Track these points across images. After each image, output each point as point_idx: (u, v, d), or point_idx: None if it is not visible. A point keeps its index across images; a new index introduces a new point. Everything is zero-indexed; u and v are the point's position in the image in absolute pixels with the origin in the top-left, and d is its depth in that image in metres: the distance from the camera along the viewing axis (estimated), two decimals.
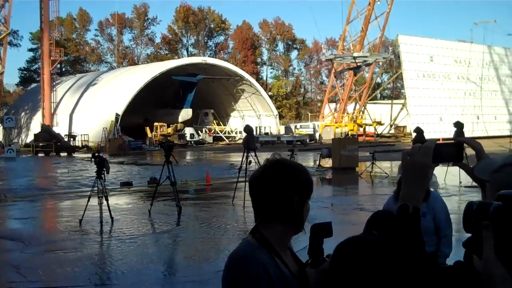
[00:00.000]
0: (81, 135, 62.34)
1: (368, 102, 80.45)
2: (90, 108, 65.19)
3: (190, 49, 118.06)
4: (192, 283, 8.74)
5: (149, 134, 67.24)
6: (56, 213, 17.09)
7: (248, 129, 18.19)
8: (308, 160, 37.44)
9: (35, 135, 57.17)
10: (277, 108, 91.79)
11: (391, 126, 79.51)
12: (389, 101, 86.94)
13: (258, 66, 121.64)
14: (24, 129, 72.96)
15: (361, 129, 72.88)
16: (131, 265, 9.94)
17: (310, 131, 73.57)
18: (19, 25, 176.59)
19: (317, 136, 72.55)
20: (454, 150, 1.91)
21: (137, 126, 67.25)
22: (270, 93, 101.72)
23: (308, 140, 67.12)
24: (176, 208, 14.92)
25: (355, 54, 68.99)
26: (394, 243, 1.91)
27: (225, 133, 77.04)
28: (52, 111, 65.16)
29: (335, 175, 26.88)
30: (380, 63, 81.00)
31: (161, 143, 20.31)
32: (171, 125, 67.25)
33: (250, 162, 17.13)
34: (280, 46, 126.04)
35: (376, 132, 72.48)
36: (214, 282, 8.65)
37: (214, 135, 75.06)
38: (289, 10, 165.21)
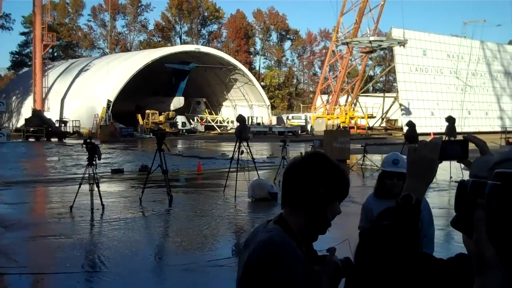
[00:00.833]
0: (72, 121, 62.14)
1: (360, 94, 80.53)
2: (81, 94, 64.90)
3: (183, 37, 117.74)
4: (183, 271, 8.73)
5: (141, 122, 67.05)
6: (47, 199, 17.04)
7: (241, 118, 18.14)
8: (300, 151, 37.45)
9: (26, 120, 56.92)
10: (269, 98, 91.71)
11: (382, 119, 79.70)
12: (381, 94, 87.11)
13: (251, 56, 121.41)
14: (15, 114, 72.65)
15: (353, 122, 72.95)
16: (122, 252, 9.93)
17: (302, 122, 73.65)
18: (11, 8, 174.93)
19: (308, 127, 72.64)
20: (459, 147, 1.91)
21: (128, 113, 67.05)
22: (262, 83, 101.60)
23: (299, 131, 67.17)
24: (167, 196, 14.90)
25: (371, 38, 68.85)
26: (393, 233, 1.92)
27: (217, 122, 76.93)
28: (44, 96, 64.88)
29: None
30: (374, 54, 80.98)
31: (154, 131, 20.22)
32: (162, 113, 67.05)
33: (242, 152, 17.10)
34: (274, 36, 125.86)
35: (367, 125, 72.57)
36: (205, 270, 8.66)
37: (206, 124, 74.95)
38: (283, 0, 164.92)
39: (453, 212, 1.55)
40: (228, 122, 77.23)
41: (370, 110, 75.44)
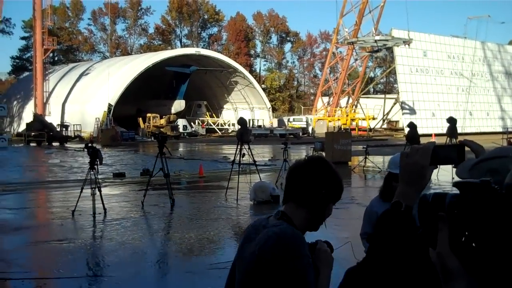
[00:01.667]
0: (74, 125, 62.17)
1: (361, 96, 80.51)
2: (82, 98, 64.96)
3: (184, 40, 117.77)
4: (186, 274, 8.72)
5: (142, 125, 67.07)
6: (49, 204, 17.03)
7: (242, 121, 18.12)
8: (301, 154, 37.46)
9: (27, 124, 56.92)
10: (270, 101, 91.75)
11: (383, 120, 79.67)
12: (382, 96, 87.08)
13: (252, 58, 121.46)
14: (16, 118, 72.68)
15: (354, 123, 72.91)
16: (124, 256, 9.92)
17: (303, 125, 73.67)
18: (12, 13, 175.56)
19: (310, 129, 72.62)
20: (455, 152, 1.90)
21: (129, 117, 67.10)
22: (263, 85, 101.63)
23: (301, 134, 67.19)
24: (169, 199, 14.89)
25: (377, 38, 68.77)
26: (379, 238, 1.93)
27: (218, 125, 76.97)
28: (45, 101, 64.89)
29: None
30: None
31: (155, 134, 20.25)
32: (164, 116, 67.07)
33: (244, 154, 17.08)
34: (274, 39, 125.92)
35: (369, 127, 72.55)
36: (208, 273, 8.65)
37: (207, 127, 74.96)
38: (283, 2, 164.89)
39: None
40: (229, 125, 77.29)
41: (371, 111, 75.44)
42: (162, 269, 9.39)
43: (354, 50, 75.65)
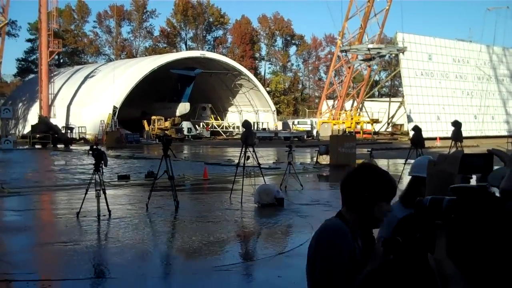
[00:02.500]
0: (79, 127, 62.30)
1: (366, 99, 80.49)
2: (87, 100, 65.08)
3: (189, 42, 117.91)
4: (190, 276, 8.73)
5: (147, 128, 67.17)
6: (53, 206, 17.07)
7: (246, 124, 18.13)
8: (305, 157, 37.47)
9: (32, 126, 57.02)
10: (275, 103, 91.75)
11: (388, 124, 79.59)
12: (387, 99, 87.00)
13: (257, 61, 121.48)
14: (21, 120, 72.83)
15: (359, 127, 72.84)
16: (128, 257, 9.93)
17: (308, 128, 73.60)
18: (18, 15, 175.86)
19: (314, 132, 72.58)
20: (482, 160, 1.90)
21: (134, 119, 67.18)
22: (268, 88, 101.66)
23: (305, 137, 67.13)
24: (173, 202, 14.90)
25: (370, 46, 68.69)
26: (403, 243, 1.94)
27: (222, 127, 77.00)
28: (50, 103, 65.05)
29: (332, 172, 26.89)
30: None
31: (160, 137, 20.23)
32: (168, 119, 67.15)
33: (248, 157, 17.09)
34: (279, 42, 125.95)
35: (373, 130, 72.48)
36: (212, 275, 8.66)
37: (211, 129, 75.01)
38: (288, 5, 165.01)
39: None
40: (233, 128, 77.31)
41: (376, 115, 75.38)
42: (166, 271, 9.41)
43: (357, 56, 75.63)
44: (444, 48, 72.14)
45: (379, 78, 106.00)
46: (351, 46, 70.40)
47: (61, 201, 17.30)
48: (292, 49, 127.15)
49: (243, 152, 17.03)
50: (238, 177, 17.49)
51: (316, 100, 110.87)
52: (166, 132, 59.91)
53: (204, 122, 75.39)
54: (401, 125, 78.55)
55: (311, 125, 74.93)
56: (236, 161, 18.27)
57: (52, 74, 67.53)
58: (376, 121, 73.97)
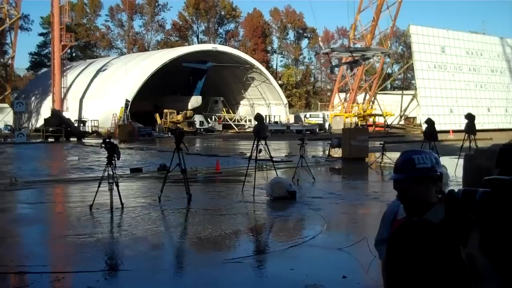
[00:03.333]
0: (91, 120, 62.54)
1: (378, 92, 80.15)
2: (100, 94, 65.32)
3: (201, 36, 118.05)
4: (202, 268, 8.73)
5: (159, 121, 67.32)
6: (66, 198, 17.15)
7: (259, 117, 18.11)
8: (318, 150, 37.41)
9: (45, 120, 57.30)
10: (287, 97, 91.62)
11: (401, 117, 79.25)
12: (400, 92, 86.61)
13: (268, 55, 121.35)
14: (34, 114, 73.24)
15: (371, 120, 72.59)
16: (141, 250, 9.96)
17: (320, 121, 73.48)
18: (30, 9, 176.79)
19: (326, 125, 72.43)
20: None
21: (146, 113, 67.34)
22: (280, 81, 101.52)
23: (317, 130, 67.02)
24: (186, 195, 14.91)
25: (352, 48, 68.11)
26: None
27: (234, 121, 77.00)
28: (62, 96, 65.36)
29: (344, 165, 26.83)
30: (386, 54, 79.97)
31: (172, 130, 20.25)
32: (180, 112, 67.26)
33: (260, 150, 17.07)
34: (291, 35, 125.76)
35: (386, 123, 72.20)
36: (224, 267, 8.66)
37: (223, 123, 75.04)
38: None
39: None
40: (245, 121, 77.32)
41: (388, 108, 75.06)
42: (179, 263, 9.42)
43: (371, 46, 75.21)
44: (457, 40, 71.61)
45: (391, 71, 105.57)
46: (332, 49, 69.25)
47: (74, 194, 17.38)
48: (304, 42, 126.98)
49: (255, 145, 17.01)
50: (250, 170, 17.47)
51: (328, 93, 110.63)
52: (178, 125, 59.98)
53: (216, 116, 75.43)
54: (414, 118, 78.19)
55: (323, 118, 74.79)
56: (248, 154, 18.25)
57: (64, 68, 67.80)
58: (389, 114, 73.55)
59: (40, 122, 63.22)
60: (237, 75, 78.10)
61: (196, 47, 77.21)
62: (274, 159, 18.93)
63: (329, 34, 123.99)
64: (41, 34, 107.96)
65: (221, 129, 73.44)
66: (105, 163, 13.94)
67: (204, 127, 69.88)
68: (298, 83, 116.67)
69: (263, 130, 17.53)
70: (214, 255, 9.83)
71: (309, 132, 62.25)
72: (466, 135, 22.78)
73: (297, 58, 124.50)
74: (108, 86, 65.38)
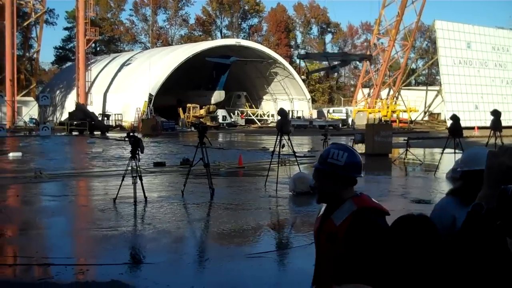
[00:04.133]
0: (115, 114, 62.89)
1: (402, 88, 79.58)
2: (123, 88, 65.68)
3: (224, 31, 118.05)
4: (224, 262, 8.74)
5: (182, 115, 67.53)
6: (90, 192, 17.28)
7: (282, 112, 18.08)
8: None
9: (69, 113, 57.77)
10: (310, 92, 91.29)
11: (425, 113, 78.66)
12: (424, 88, 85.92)
13: (292, 49, 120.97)
14: (59, 107, 73.85)
15: (395, 115, 72.15)
16: (164, 243, 10.01)
17: (343, 116, 73.17)
18: (55, 3, 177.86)
19: (349, 121, 72.12)
20: None
21: (170, 107, 67.60)
22: (303, 77, 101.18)
23: (340, 125, 66.75)
24: (209, 189, 14.94)
25: (328, 53, 66.40)
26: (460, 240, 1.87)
27: (257, 116, 76.94)
28: (87, 90, 65.83)
29: (368, 161, 26.65)
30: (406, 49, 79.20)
31: (195, 124, 20.34)
32: (203, 107, 67.41)
33: (284, 145, 17.03)
34: (314, 30, 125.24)
35: (410, 119, 71.70)
36: (245, 263, 8.65)
37: (246, 117, 75.01)
38: None
39: None
40: (268, 116, 77.21)
41: (413, 103, 74.53)
42: (201, 257, 9.44)
43: (395, 41, 74.72)
44: (483, 36, 70.81)
45: (416, 66, 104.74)
46: (307, 53, 67.04)
47: (98, 187, 17.50)
48: (328, 37, 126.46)
49: (278, 140, 16.98)
50: (273, 165, 17.44)
51: (352, 89, 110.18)
52: (201, 120, 60.14)
53: (238, 110, 75.42)
54: (438, 114, 77.55)
55: (346, 113, 74.47)
56: (271, 149, 18.22)
57: (89, 62, 68.25)
58: (413, 109, 72.99)
59: (65, 115, 63.73)
60: (260, 70, 78.00)
61: (219, 42, 77.26)
62: (297, 154, 18.88)
63: (353, 29, 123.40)
64: (66, 29, 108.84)
65: (243, 124, 73.43)
66: (129, 156, 14.02)
67: (226, 121, 69.93)
68: (321, 78, 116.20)
69: (286, 125, 17.49)
70: (236, 249, 9.84)
71: (332, 128, 61.95)
72: (492, 131, 22.51)
73: (320, 53, 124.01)
74: (132, 80, 65.71)
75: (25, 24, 68.55)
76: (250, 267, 8.53)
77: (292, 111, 73.54)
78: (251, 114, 76.15)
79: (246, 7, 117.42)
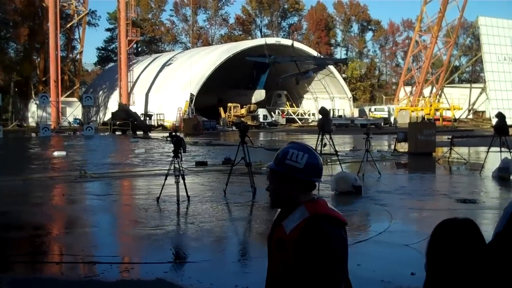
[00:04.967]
0: (157, 114, 63.53)
1: (446, 85, 78.40)
2: (165, 88, 66.32)
3: (264, 30, 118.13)
4: (266, 261, 8.71)
5: (223, 115, 67.86)
6: (133, 191, 17.44)
7: (324, 111, 18.00)
8: (383, 144, 36.90)
9: (112, 113, 58.61)
10: (351, 90, 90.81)
11: (469, 111, 77.35)
12: (468, 85, 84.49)
13: (332, 48, 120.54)
14: (102, 108, 75.04)
15: (438, 114, 71.12)
16: (206, 243, 10.03)
17: (385, 115, 72.54)
18: (97, 5, 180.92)
19: (392, 119, 71.41)
20: None
21: (210, 106, 68.01)
22: (344, 75, 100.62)
23: (382, 124, 66.16)
24: (251, 188, 14.93)
25: (295, 57, 63.87)
26: None
27: (298, 115, 76.83)
28: (129, 90, 66.71)
29: (411, 160, 26.34)
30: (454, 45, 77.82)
31: (236, 124, 20.37)
32: (244, 106, 67.60)
33: (325, 144, 16.94)
34: (355, 27, 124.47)
35: (453, 117, 70.57)
36: None
37: (287, 116, 74.96)
38: None
39: None
40: (309, 115, 77.02)
41: (456, 101, 73.34)
42: (244, 256, 9.43)
43: (437, 39, 73.65)
44: None
45: (459, 63, 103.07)
46: (274, 57, 64.48)
47: (141, 187, 17.65)
48: (369, 35, 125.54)
49: (319, 139, 16.88)
50: None
51: (393, 87, 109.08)
52: (242, 119, 60.31)
53: (279, 109, 75.40)
54: (483, 112, 76.15)
55: (388, 112, 73.80)
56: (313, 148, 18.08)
57: (131, 63, 69.18)
58: (457, 107, 71.86)
59: (108, 115, 64.71)
60: (300, 68, 77.78)
61: (259, 41, 77.30)
62: (339, 153, 18.75)
63: (394, 27, 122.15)
64: (108, 30, 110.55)
65: (284, 123, 73.40)
66: (171, 156, 14.10)
67: (267, 121, 70.00)
68: (363, 76, 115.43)
69: (327, 124, 17.41)
70: None
71: (374, 126, 61.44)
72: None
73: (361, 51, 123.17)
74: (173, 80, 66.31)
75: (68, 26, 69.87)
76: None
77: (333, 109, 73.20)
78: (292, 113, 76.08)
79: (286, 6, 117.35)
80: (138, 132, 52.13)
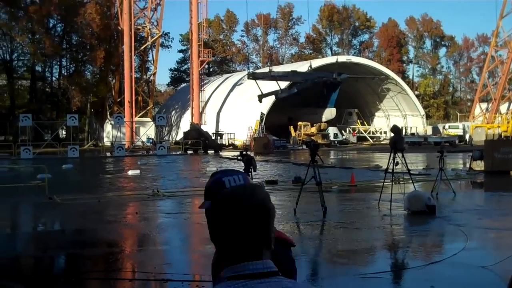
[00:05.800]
0: (227, 133, 64.14)
1: None
2: (236, 107, 66.92)
3: (334, 48, 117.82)
4: (338, 282, 8.60)
5: (293, 133, 67.84)
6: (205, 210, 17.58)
7: (395, 129, 17.69)
8: (458, 163, 35.96)
9: (184, 133, 59.57)
10: (424, 107, 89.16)
11: None
12: None
13: (404, 65, 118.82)
14: (174, 127, 76.42)
15: None
16: None
17: (460, 132, 70.66)
18: (170, 27, 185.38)
19: (467, 137, 69.56)
20: None
21: (281, 125, 68.11)
22: (416, 92, 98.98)
23: (457, 141, 64.51)
24: (321, 207, 14.82)
25: (274, 72, 60.34)
26: None
27: (369, 133, 75.99)
28: (201, 110, 67.71)
29: (487, 178, 25.53)
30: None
31: (307, 142, 20.30)
32: (314, 125, 67.37)
33: (397, 163, 16.62)
34: (428, 44, 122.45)
35: None
36: (359, 284, 8.47)
37: (358, 135, 74.26)
38: (437, 5, 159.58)
39: None
40: (380, 133, 76.03)
41: None
42: (314, 275, 9.33)
43: None
44: None
45: None
46: (253, 73, 61.57)
47: None
48: (442, 51, 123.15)
49: (391, 158, 16.60)
50: (387, 183, 17.04)
51: (468, 103, 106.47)
52: (312, 137, 60.12)
53: (350, 128, 74.80)
54: None
55: (463, 129, 71.88)
56: (385, 166, 17.82)
57: (202, 83, 70.34)
58: None
59: (180, 135, 65.83)
60: (371, 86, 77.11)
61: (330, 59, 77.12)
62: (411, 172, 18.37)
63: (468, 42, 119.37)
64: (180, 51, 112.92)
65: (355, 141, 72.73)
66: None
67: (338, 139, 69.54)
68: (436, 93, 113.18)
69: (400, 142, 17.08)
70: (350, 269, 9.66)
71: (448, 144, 59.96)
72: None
73: (434, 67, 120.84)
74: (244, 100, 66.87)
75: (142, 48, 71.68)
76: (366, 286, 8.35)
77: (405, 127, 72.01)
78: (363, 131, 75.32)
79: (357, 24, 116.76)
80: (209, 151, 52.77)
